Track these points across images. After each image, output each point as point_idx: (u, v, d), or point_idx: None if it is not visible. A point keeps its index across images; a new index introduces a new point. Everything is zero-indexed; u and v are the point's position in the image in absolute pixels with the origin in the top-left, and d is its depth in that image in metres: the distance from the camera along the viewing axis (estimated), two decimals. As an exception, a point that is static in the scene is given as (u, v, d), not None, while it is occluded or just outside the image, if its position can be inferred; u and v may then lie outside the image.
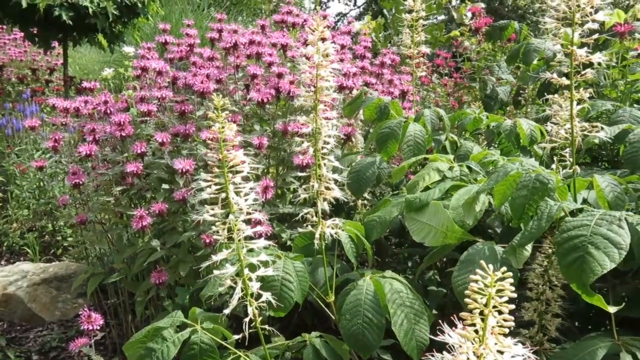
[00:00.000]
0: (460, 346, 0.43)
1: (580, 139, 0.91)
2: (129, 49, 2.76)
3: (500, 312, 0.42)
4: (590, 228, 0.65)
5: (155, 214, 1.67)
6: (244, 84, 1.95)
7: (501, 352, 0.43)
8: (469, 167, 1.14)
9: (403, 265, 1.66)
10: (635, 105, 1.49)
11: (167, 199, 1.77)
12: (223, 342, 0.83)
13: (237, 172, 0.71)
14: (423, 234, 0.95)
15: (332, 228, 0.93)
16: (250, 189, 0.72)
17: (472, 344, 0.43)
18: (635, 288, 0.97)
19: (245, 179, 0.71)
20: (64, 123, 2.07)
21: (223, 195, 0.71)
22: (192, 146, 1.83)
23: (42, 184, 3.21)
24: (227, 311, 0.75)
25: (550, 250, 1.04)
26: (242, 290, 0.72)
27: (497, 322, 0.43)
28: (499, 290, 0.42)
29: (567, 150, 1.16)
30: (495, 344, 0.43)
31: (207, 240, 1.64)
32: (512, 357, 0.44)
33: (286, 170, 1.82)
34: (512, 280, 0.42)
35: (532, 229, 0.75)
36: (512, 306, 0.41)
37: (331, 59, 0.88)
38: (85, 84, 2.04)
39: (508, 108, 2.21)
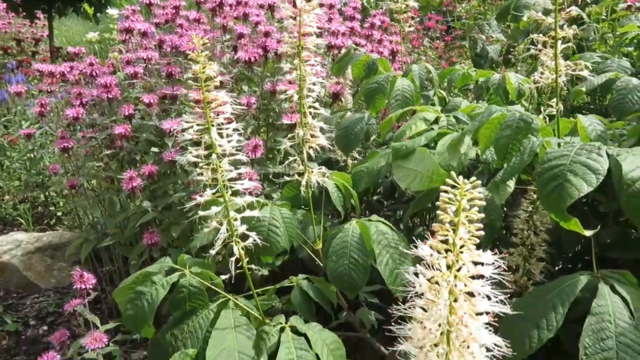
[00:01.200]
0: (432, 255, 0.43)
1: (565, 80, 0.90)
2: (113, 11, 2.70)
3: (470, 222, 0.43)
4: (570, 157, 0.66)
5: (146, 175, 1.66)
6: (231, 46, 1.92)
7: (473, 263, 0.44)
8: (456, 118, 1.14)
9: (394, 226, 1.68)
10: (624, 58, 1.49)
11: (157, 162, 1.76)
12: (212, 286, 0.84)
13: (220, 112, 0.70)
14: (409, 180, 0.95)
15: (319, 176, 0.94)
16: (234, 129, 0.72)
17: (445, 255, 0.44)
18: (616, 231, 0.99)
19: (229, 120, 0.71)
20: (49, 90, 2.04)
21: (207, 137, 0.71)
22: (180, 108, 1.82)
23: (32, 154, 3.18)
24: (212, 252, 0.76)
25: (534, 196, 1.05)
26: (227, 231, 0.73)
27: (469, 232, 0.44)
28: (469, 200, 0.43)
29: (554, 100, 1.16)
30: (466, 253, 0.44)
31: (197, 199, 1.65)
32: (483, 265, 0.44)
33: (276, 131, 1.81)
34: (481, 190, 0.42)
35: (514, 164, 0.76)
36: (482, 215, 0.41)
37: (314, 4, 0.86)
38: (70, 49, 2.01)
39: (499, 68, 2.20)
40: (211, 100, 0.69)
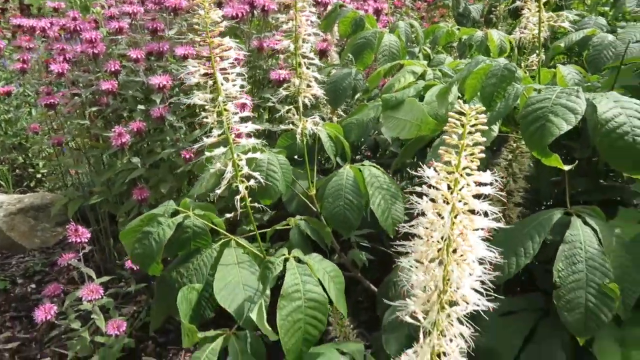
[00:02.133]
0: (438, 174, 0.49)
1: (547, 35, 0.96)
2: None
3: (475, 144, 0.49)
4: (551, 100, 0.72)
5: (134, 132, 1.67)
6: (216, 2, 1.91)
7: (475, 183, 0.50)
8: (441, 71, 1.19)
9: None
10: (600, 17, 1.55)
11: (145, 118, 1.77)
12: (214, 227, 0.89)
13: (224, 57, 0.74)
14: (399, 129, 1.01)
15: (314, 124, 0.98)
16: (237, 74, 0.75)
17: (447, 177, 0.49)
18: (588, 177, 1.07)
19: (232, 65, 0.74)
20: (28, 47, 2.00)
21: (211, 82, 0.74)
22: (166, 65, 1.82)
23: (8, 116, 3.12)
24: (218, 191, 0.81)
25: (514, 145, 1.12)
26: (232, 172, 0.77)
27: (471, 154, 0.50)
28: (473, 125, 0.48)
29: (534, 56, 1.22)
30: (468, 174, 0.50)
31: (187, 156, 1.67)
32: (481, 184, 0.50)
33: (263, 88, 1.83)
34: (484, 115, 0.48)
35: (499, 109, 0.82)
36: (484, 139, 0.47)
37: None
38: (49, 3, 1.97)
39: (481, 28, 2.24)
40: (216, 45, 0.72)
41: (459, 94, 0.95)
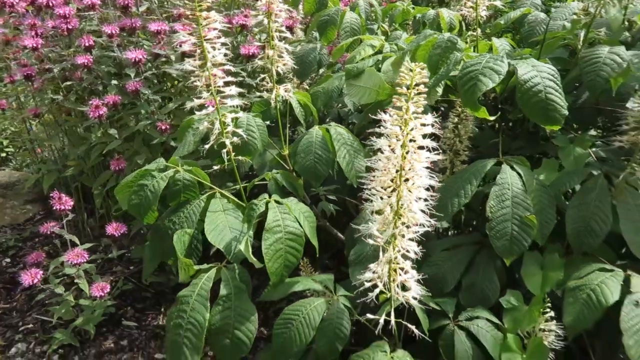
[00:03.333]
0: (390, 118, 0.64)
1: (487, 14, 1.13)
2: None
3: (419, 93, 0.64)
4: (482, 64, 0.88)
5: (110, 105, 1.75)
6: (185, -21, 1.98)
7: (420, 124, 0.65)
8: (397, 45, 1.34)
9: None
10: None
11: (119, 92, 1.84)
12: (201, 180, 1.02)
13: (211, 29, 0.86)
14: (360, 95, 1.16)
15: (285, 91, 1.12)
16: (222, 44, 0.87)
17: (398, 118, 0.65)
18: (521, 136, 1.26)
19: (217, 36, 0.86)
20: (-7, 23, 2.03)
21: (199, 51, 0.86)
22: (138, 40, 1.89)
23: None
24: (207, 146, 0.93)
25: (459, 109, 1.30)
26: (219, 128, 0.90)
27: (416, 101, 0.65)
28: (419, 79, 0.63)
29: (479, 31, 1.39)
30: (415, 117, 0.66)
31: (163, 127, 1.78)
32: (425, 125, 0.66)
33: (233, 63, 1.94)
34: (426, 72, 0.63)
35: (442, 73, 0.98)
36: (426, 89, 0.62)
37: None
38: (16, -21, 1.99)
39: (434, 7, 2.40)
40: (204, 18, 0.84)
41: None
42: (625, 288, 0.83)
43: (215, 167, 0.98)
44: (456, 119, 1.30)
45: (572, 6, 1.35)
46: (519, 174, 0.97)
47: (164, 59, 1.89)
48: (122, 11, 1.86)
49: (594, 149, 1.10)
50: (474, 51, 1.06)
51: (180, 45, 0.84)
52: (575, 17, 1.08)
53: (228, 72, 0.87)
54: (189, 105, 0.92)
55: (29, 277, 1.67)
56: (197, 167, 1.04)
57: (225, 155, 0.92)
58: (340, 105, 1.72)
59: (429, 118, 0.66)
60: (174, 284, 2.32)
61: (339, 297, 0.94)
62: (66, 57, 1.91)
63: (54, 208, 1.66)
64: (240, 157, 0.98)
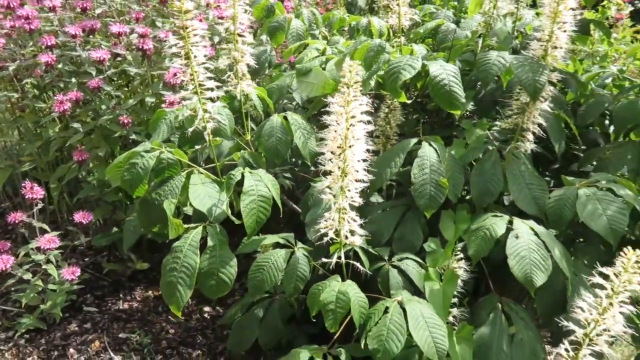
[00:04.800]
0: (337, 103, 0.92)
1: (409, 23, 1.44)
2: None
3: (356, 83, 0.92)
4: (403, 62, 1.19)
5: (73, 101, 1.91)
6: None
7: (359, 104, 0.93)
8: (337, 49, 1.63)
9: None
10: (450, 10, 2.10)
11: (79, 89, 2.00)
12: (181, 160, 1.25)
13: (194, 34, 1.09)
14: (308, 89, 1.43)
15: (247, 86, 1.37)
16: (203, 46, 1.11)
17: (343, 104, 0.92)
18: (438, 122, 1.58)
19: (200, 40, 1.10)
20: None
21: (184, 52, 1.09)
22: (97, 40, 2.06)
23: None
24: (190, 129, 1.16)
25: (389, 102, 1.60)
26: (201, 115, 1.14)
27: (355, 90, 0.93)
28: (356, 75, 0.91)
29: (402, 39, 1.71)
30: (355, 99, 0.94)
31: (125, 121, 1.96)
32: (361, 104, 0.94)
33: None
34: (362, 68, 0.91)
35: (373, 69, 1.28)
36: (361, 79, 0.90)
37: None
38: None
39: (366, 15, 2.73)
40: (189, 26, 1.07)
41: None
42: (510, 227, 1.16)
43: (198, 147, 1.21)
44: (387, 110, 1.61)
45: (477, 19, 1.70)
46: (435, 148, 1.28)
47: (120, 59, 2.07)
48: (81, 13, 2.02)
49: (490, 131, 1.44)
50: (399, 54, 1.37)
51: (170, 47, 1.06)
52: (475, 28, 1.42)
53: (207, 69, 1.11)
54: (179, 96, 1.14)
55: (1, 263, 1.80)
56: (177, 149, 1.27)
57: (207, 136, 1.16)
58: (285, 101, 1.99)
59: (364, 99, 0.95)
60: (131, 272, 2.49)
61: (299, 248, 1.20)
62: (20, 57, 2.03)
63: (26, 197, 1.80)
64: (217, 139, 1.22)
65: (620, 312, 0.98)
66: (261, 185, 1.13)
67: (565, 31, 1.24)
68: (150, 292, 2.47)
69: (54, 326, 2.10)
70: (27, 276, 1.93)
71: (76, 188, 2.33)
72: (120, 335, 2.14)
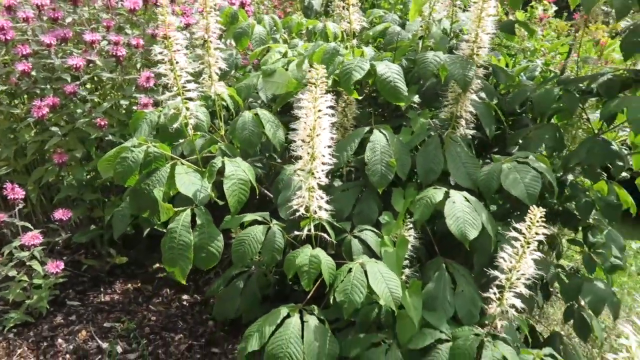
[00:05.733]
0: (306, 99, 1.14)
1: (359, 27, 1.68)
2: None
3: (322, 82, 1.14)
4: (354, 64, 1.43)
5: (50, 106, 2.05)
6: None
7: (324, 101, 1.16)
8: (297, 51, 1.86)
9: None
10: (398, 13, 2.36)
11: (55, 95, 2.14)
12: (166, 153, 1.44)
13: (176, 44, 1.28)
14: (273, 88, 1.65)
15: (220, 87, 1.57)
16: (184, 54, 1.30)
17: (312, 100, 1.14)
18: (388, 113, 1.83)
19: (182, 48, 1.29)
20: None
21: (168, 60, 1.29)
22: (69, 49, 2.20)
23: None
24: (175, 125, 1.36)
25: (346, 97, 1.84)
26: (184, 112, 1.33)
27: (322, 89, 1.15)
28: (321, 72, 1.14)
29: (355, 41, 1.95)
30: (321, 97, 1.16)
31: (102, 123, 2.12)
32: (326, 100, 1.17)
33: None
34: (325, 71, 1.14)
35: (330, 70, 1.51)
36: (325, 72, 1.13)
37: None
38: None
39: (322, 18, 2.96)
40: (172, 36, 1.27)
41: (310, 64, 1.63)
42: (447, 196, 1.41)
43: (182, 141, 1.40)
44: (344, 104, 1.85)
45: (418, 22, 1.96)
46: (384, 134, 1.53)
47: (92, 65, 2.22)
48: (52, 23, 2.16)
49: (433, 119, 1.70)
50: (352, 56, 1.60)
51: (156, 55, 1.26)
52: (415, 31, 1.68)
53: (188, 73, 1.31)
54: (165, 96, 1.33)
55: (-11, 259, 1.92)
56: (161, 144, 1.46)
57: (189, 131, 1.36)
58: (251, 100, 2.20)
59: (328, 96, 1.18)
60: (109, 267, 2.65)
61: (274, 224, 1.42)
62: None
63: (8, 197, 1.94)
64: (197, 133, 1.42)
65: (532, 259, 1.25)
66: (240, 170, 1.34)
67: (487, 34, 1.51)
68: (129, 285, 2.63)
69: (40, 320, 2.24)
70: (12, 273, 2.07)
71: (50, 190, 2.46)
72: (105, 325, 2.30)
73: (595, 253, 1.89)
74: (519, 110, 2.03)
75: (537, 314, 2.84)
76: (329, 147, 1.23)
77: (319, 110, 1.17)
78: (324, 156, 1.22)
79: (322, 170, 1.26)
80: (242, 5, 2.64)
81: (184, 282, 1.30)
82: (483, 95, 1.73)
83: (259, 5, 3.28)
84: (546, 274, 1.81)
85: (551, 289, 2.08)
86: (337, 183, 1.77)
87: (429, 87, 1.81)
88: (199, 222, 1.32)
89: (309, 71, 1.14)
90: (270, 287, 1.61)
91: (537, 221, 1.21)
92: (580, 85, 1.81)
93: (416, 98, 1.79)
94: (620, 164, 1.62)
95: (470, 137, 1.76)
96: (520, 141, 1.75)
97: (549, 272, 1.80)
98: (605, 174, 1.94)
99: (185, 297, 2.59)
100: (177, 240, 1.28)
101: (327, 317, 1.43)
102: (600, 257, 1.87)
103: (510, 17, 2.61)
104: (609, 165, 1.89)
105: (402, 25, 2.08)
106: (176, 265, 1.26)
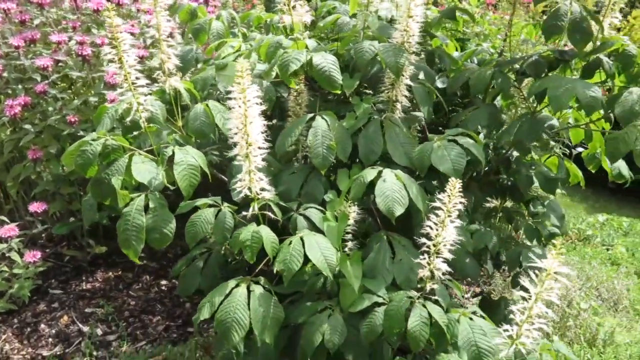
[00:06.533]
0: (235, 99, 1.28)
1: (308, 19, 1.82)
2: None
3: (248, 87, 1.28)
4: (292, 56, 1.56)
5: (22, 105, 2.18)
6: (73, -4, 2.44)
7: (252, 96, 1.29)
8: (250, 45, 1.99)
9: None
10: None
11: (26, 94, 2.27)
12: (124, 145, 1.58)
13: (124, 44, 1.41)
14: (226, 81, 1.79)
15: (176, 81, 1.71)
16: (133, 52, 1.44)
17: (239, 89, 1.28)
18: (332, 101, 1.97)
19: (130, 48, 1.42)
20: None
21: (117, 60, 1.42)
22: (38, 49, 2.33)
23: None
24: (128, 119, 1.49)
25: (297, 88, 1.98)
26: (136, 107, 1.47)
27: (247, 81, 1.29)
28: (246, 66, 1.27)
29: (307, 32, 2.08)
30: (249, 95, 1.30)
31: (72, 120, 2.25)
32: (252, 91, 1.30)
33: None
34: (267, 65, 1.27)
35: (272, 62, 1.65)
36: (258, 89, 1.27)
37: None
38: None
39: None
40: (119, 37, 1.40)
41: (258, 57, 1.77)
42: (380, 175, 1.56)
43: (136, 133, 1.54)
44: (296, 93, 1.98)
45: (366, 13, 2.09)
46: (325, 120, 1.67)
47: (61, 64, 2.35)
48: (20, 25, 2.28)
49: (377, 104, 1.84)
50: (298, 48, 1.74)
51: (105, 56, 1.39)
52: (355, 23, 1.81)
53: (137, 70, 1.44)
54: (117, 92, 1.47)
55: (-30, 252, 2.06)
56: (119, 136, 1.59)
57: (142, 124, 1.50)
58: (211, 90, 2.32)
59: (255, 87, 1.31)
60: (90, 257, 2.80)
61: (225, 206, 1.57)
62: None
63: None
64: (152, 126, 1.56)
65: (455, 227, 1.40)
66: (189, 156, 1.48)
67: (417, 22, 1.64)
68: (110, 273, 2.78)
69: (23, 307, 2.39)
70: (-5, 264, 2.21)
71: (31, 186, 2.60)
72: (86, 310, 2.46)
73: (536, 222, 2.04)
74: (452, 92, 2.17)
75: (490, 282, 3.01)
76: (264, 132, 1.38)
77: (248, 100, 1.31)
78: (258, 142, 1.36)
79: (259, 155, 1.40)
80: (206, 2, 2.77)
81: (137, 261, 1.45)
82: (423, 78, 1.86)
83: (226, 1, 3.39)
84: (489, 244, 1.96)
85: (502, 259, 2.24)
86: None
87: (374, 74, 1.94)
88: (152, 205, 1.46)
89: (237, 68, 1.28)
90: (230, 264, 1.77)
91: (455, 193, 1.36)
92: (517, 66, 1.95)
93: (365, 84, 1.93)
94: (546, 138, 1.77)
95: (422, 119, 1.91)
96: (459, 122, 1.89)
97: (491, 242, 1.95)
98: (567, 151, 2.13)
99: (164, 282, 2.75)
100: (131, 222, 1.43)
101: (283, 291, 1.59)
102: (540, 225, 2.02)
103: (464, 3, 2.74)
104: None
105: (355, 15, 2.21)
106: (130, 246, 1.41)
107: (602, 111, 1.81)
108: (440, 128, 2.24)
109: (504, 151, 2.13)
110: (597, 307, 2.69)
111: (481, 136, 2.22)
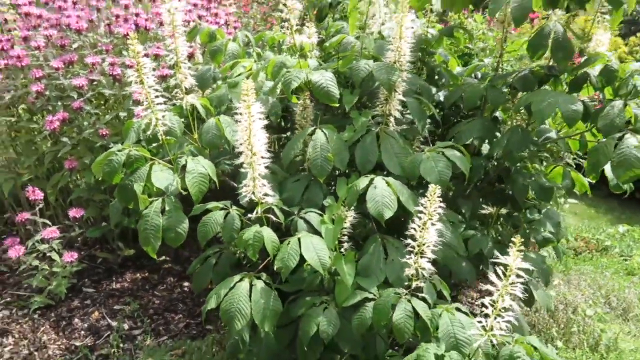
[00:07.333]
0: (241, 113, 1.48)
1: (315, 40, 2.01)
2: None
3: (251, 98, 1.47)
4: (293, 74, 1.75)
5: (61, 120, 2.45)
6: (106, 23, 2.72)
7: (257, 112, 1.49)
8: (261, 64, 2.19)
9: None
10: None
11: (65, 110, 2.54)
12: (146, 155, 1.80)
13: (145, 67, 1.64)
14: (237, 97, 1.99)
15: (193, 98, 1.92)
16: (152, 75, 1.66)
17: (245, 104, 1.48)
18: (333, 115, 2.15)
19: (150, 71, 1.65)
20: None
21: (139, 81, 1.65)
22: (76, 70, 2.60)
23: None
24: (148, 132, 1.71)
25: (303, 102, 2.17)
26: (154, 122, 1.69)
27: (251, 98, 1.48)
28: (252, 86, 1.47)
29: (316, 51, 2.27)
30: (253, 105, 1.49)
31: (104, 133, 2.51)
32: (257, 107, 1.50)
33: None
34: (253, 90, 1.47)
35: (277, 80, 1.84)
36: (262, 107, 1.46)
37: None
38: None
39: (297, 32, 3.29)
40: (141, 62, 1.62)
41: (266, 76, 1.97)
42: (371, 182, 1.72)
43: (154, 145, 1.76)
44: (302, 108, 2.18)
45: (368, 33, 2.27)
46: (324, 133, 1.85)
47: (95, 83, 2.62)
48: (61, 48, 2.56)
49: (375, 118, 2.01)
50: (301, 67, 1.93)
51: (129, 78, 1.61)
52: (353, 44, 2.00)
53: (157, 90, 1.66)
54: (122, 115, 1.69)
55: (14, 251, 2.33)
56: (142, 147, 1.82)
57: (160, 137, 1.71)
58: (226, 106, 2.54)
59: (258, 104, 1.51)
60: (121, 260, 3.05)
61: (233, 209, 1.76)
62: (13, 88, 2.57)
63: (30, 198, 2.34)
64: (170, 138, 1.78)
65: (436, 229, 1.55)
66: (199, 166, 1.69)
67: (408, 43, 1.81)
68: (138, 274, 3.02)
69: (59, 303, 2.64)
70: (35, 262, 2.47)
71: (68, 193, 2.87)
72: (115, 307, 2.69)
73: (530, 229, 2.15)
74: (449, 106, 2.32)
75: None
76: (267, 144, 1.57)
77: (252, 115, 1.50)
78: (261, 152, 1.55)
79: (262, 164, 1.59)
80: (227, 23, 3.00)
81: (154, 256, 1.66)
82: (418, 94, 2.02)
83: (249, 19, 3.64)
84: (485, 248, 2.08)
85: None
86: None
87: (374, 89, 2.11)
88: (167, 208, 1.67)
89: (244, 86, 1.47)
90: (239, 263, 1.96)
91: (434, 199, 1.51)
92: (510, 80, 2.09)
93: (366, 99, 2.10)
94: (534, 149, 1.90)
95: (426, 132, 2.06)
96: (455, 134, 2.04)
97: (487, 246, 2.08)
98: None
99: (186, 284, 2.97)
100: (150, 223, 1.64)
101: (288, 289, 1.77)
102: (534, 232, 2.14)
103: (470, 20, 2.88)
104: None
105: (357, 38, 2.39)
106: (149, 243, 1.62)
107: (588, 124, 1.93)
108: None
109: (502, 161, 2.26)
110: (604, 315, 2.75)
111: (485, 147, 2.36)
